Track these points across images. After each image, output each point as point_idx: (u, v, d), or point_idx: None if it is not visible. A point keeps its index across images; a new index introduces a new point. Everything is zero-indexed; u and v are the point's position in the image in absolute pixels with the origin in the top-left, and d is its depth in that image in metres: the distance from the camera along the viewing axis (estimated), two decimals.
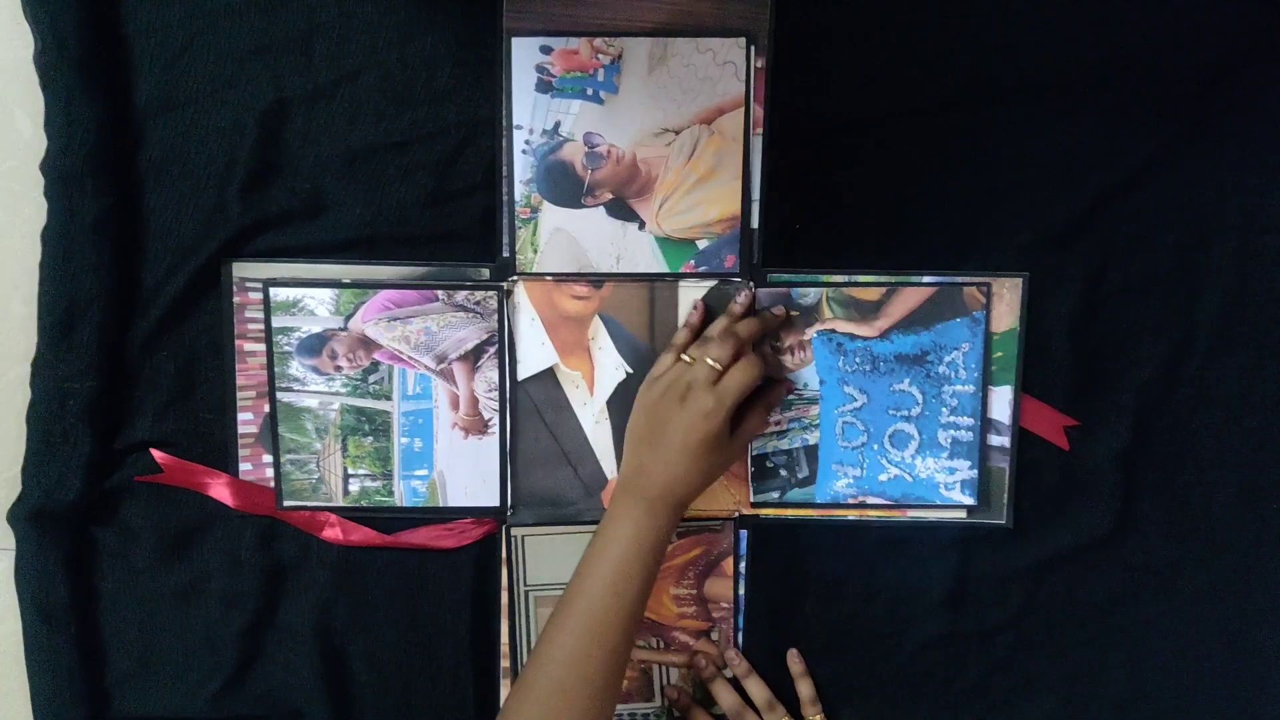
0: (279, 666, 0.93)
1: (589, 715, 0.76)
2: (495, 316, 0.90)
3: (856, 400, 0.92)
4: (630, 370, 0.91)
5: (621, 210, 0.89)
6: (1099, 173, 0.90)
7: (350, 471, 0.92)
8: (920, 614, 0.94)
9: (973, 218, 0.90)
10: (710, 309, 0.90)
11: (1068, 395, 0.92)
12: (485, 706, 0.93)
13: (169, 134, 0.87)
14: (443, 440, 0.91)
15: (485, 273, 0.90)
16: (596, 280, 0.90)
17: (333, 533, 0.91)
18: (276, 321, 0.90)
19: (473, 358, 0.90)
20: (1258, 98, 0.90)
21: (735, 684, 0.94)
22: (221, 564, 0.92)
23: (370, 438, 0.91)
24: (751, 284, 0.90)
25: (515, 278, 0.90)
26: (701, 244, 0.89)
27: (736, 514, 0.93)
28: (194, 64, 0.87)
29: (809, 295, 0.91)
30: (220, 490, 0.91)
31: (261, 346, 0.90)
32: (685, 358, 0.85)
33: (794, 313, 0.91)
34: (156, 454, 0.90)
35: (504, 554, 0.92)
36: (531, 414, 0.92)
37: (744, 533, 0.93)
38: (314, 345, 0.90)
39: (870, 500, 0.93)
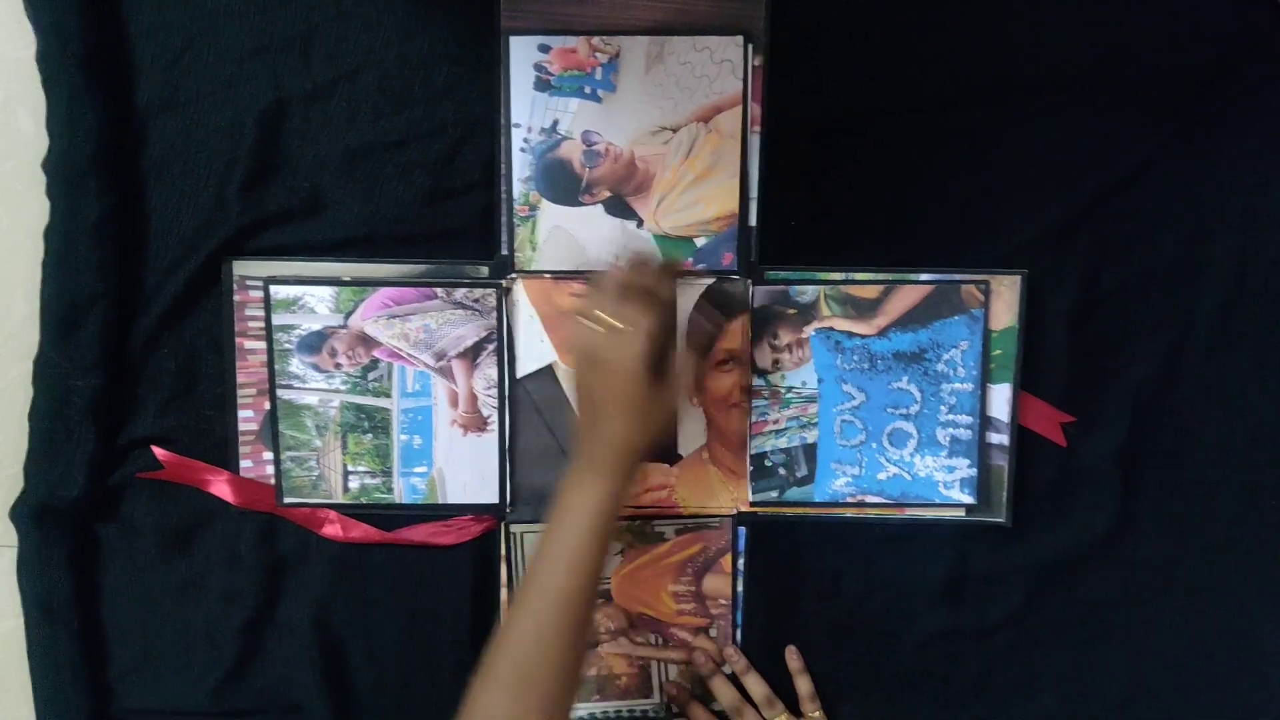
0: (279, 662, 0.93)
1: (553, 695, 0.75)
2: (494, 314, 0.90)
3: (855, 398, 0.92)
4: None
5: (620, 208, 0.89)
6: (1097, 171, 0.90)
7: (350, 468, 0.92)
8: (919, 611, 0.94)
9: (971, 215, 0.90)
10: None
11: (1066, 392, 0.92)
12: None
13: (170, 133, 0.88)
14: (442, 437, 0.92)
15: (484, 270, 0.90)
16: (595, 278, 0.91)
17: (332, 529, 0.92)
18: (277, 319, 0.90)
19: (471, 355, 0.91)
20: (1256, 96, 0.90)
21: (734, 680, 0.94)
22: (222, 560, 0.92)
23: (370, 435, 0.92)
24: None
25: (514, 275, 0.90)
26: (699, 241, 0.90)
27: (735, 511, 0.93)
28: (194, 64, 0.88)
29: (807, 293, 0.91)
30: (221, 487, 0.91)
31: (262, 344, 0.90)
32: (590, 322, 0.82)
33: (687, 262, 0.89)
34: (158, 451, 0.90)
35: (503, 550, 0.93)
36: (530, 411, 0.92)
37: (742, 530, 0.94)
38: (314, 343, 0.91)
39: (869, 499, 0.93)
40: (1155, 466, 0.93)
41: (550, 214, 0.89)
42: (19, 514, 0.89)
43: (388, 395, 0.91)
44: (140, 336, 0.90)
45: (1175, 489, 0.93)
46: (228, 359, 0.90)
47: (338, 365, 0.91)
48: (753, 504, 0.93)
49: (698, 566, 0.94)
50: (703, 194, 0.89)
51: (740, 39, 0.87)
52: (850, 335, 0.91)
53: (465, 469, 0.92)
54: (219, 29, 0.87)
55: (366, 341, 0.91)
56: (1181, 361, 0.92)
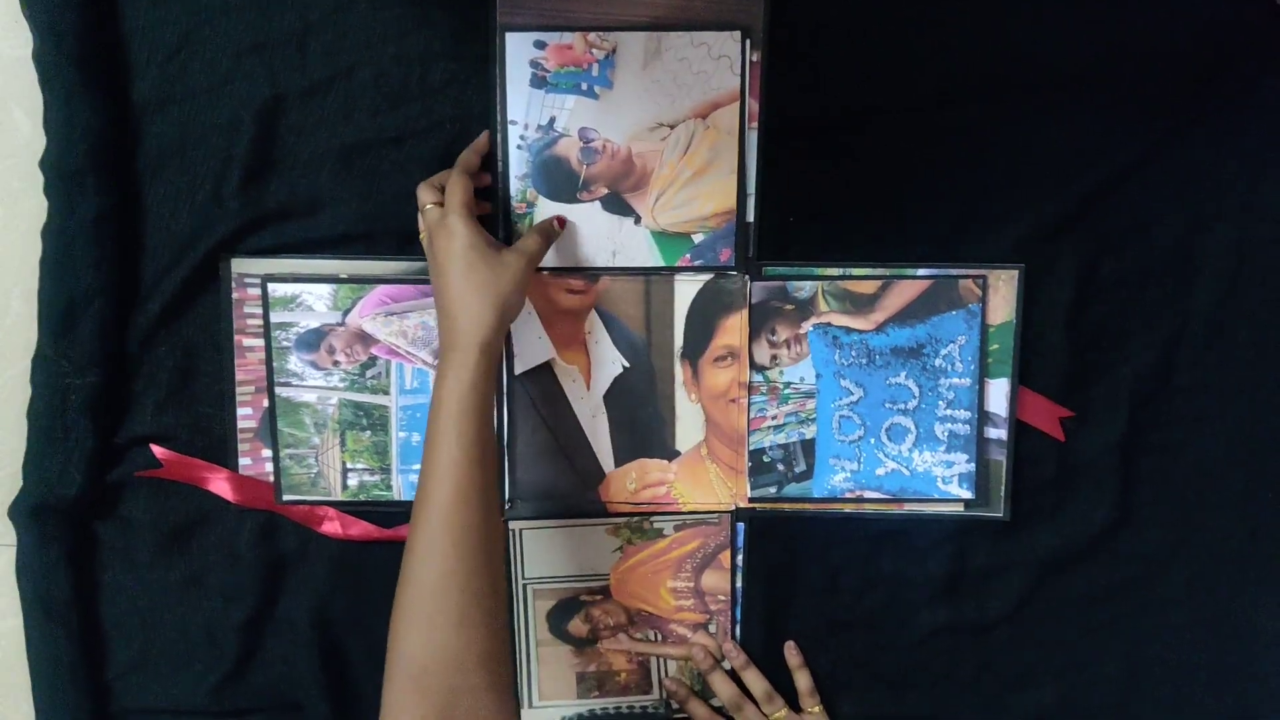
0: (278, 660, 0.93)
1: (468, 614, 0.72)
2: None
3: (853, 394, 0.92)
4: (627, 364, 0.92)
5: (617, 205, 0.89)
6: (1094, 166, 0.90)
7: (349, 466, 0.92)
8: (917, 606, 0.94)
9: (968, 211, 0.90)
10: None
11: (1063, 386, 0.92)
12: None
13: (166, 131, 0.88)
14: None
15: None
16: (593, 274, 0.91)
17: (331, 527, 0.92)
18: (275, 317, 0.90)
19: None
20: (1251, 91, 0.90)
21: (733, 676, 0.94)
22: (221, 558, 0.92)
23: (368, 432, 0.92)
24: (747, 277, 0.90)
25: None
26: (697, 238, 0.90)
27: (734, 507, 0.93)
28: (190, 61, 0.87)
29: (805, 289, 0.91)
30: (220, 485, 0.91)
31: (260, 342, 0.90)
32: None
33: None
34: (156, 449, 0.90)
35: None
36: (528, 408, 0.92)
37: (741, 526, 0.94)
38: (312, 340, 0.91)
39: (867, 494, 0.93)
40: (1152, 460, 0.93)
41: (547, 211, 0.89)
42: (17, 512, 0.89)
43: (386, 392, 0.91)
44: (138, 334, 0.89)
45: (1172, 482, 0.93)
46: (226, 357, 0.90)
47: (336, 363, 0.91)
48: (751, 500, 0.93)
49: (697, 562, 0.94)
50: (700, 190, 0.89)
51: (738, 34, 0.87)
52: (848, 330, 0.91)
53: None
54: (215, 25, 0.87)
55: (364, 339, 0.91)
56: (1178, 355, 0.92)
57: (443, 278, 0.80)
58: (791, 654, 0.94)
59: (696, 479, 0.93)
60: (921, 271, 0.91)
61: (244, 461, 0.92)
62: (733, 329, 0.91)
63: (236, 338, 0.90)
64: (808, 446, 0.93)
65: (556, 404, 0.92)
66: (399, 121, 0.88)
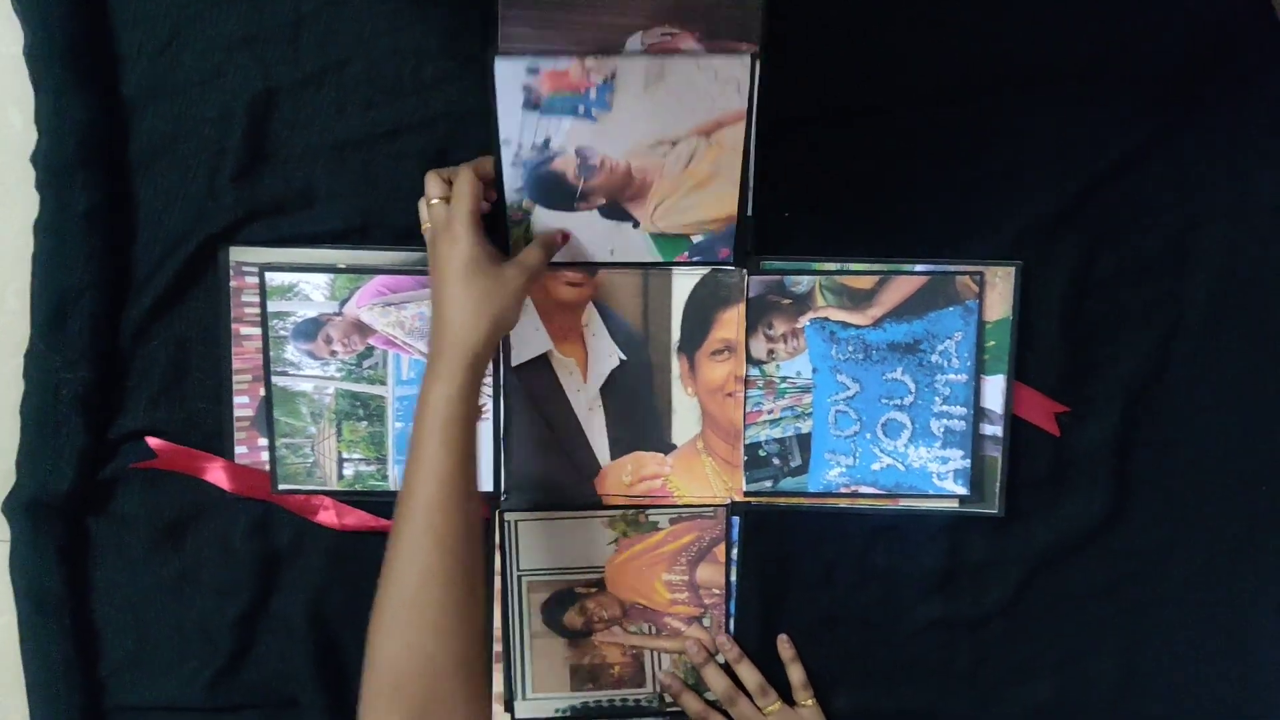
0: (273, 655, 0.93)
1: (449, 621, 0.72)
2: None
3: (849, 389, 0.92)
4: (624, 357, 0.92)
5: (615, 212, 0.89)
6: (1088, 161, 0.90)
7: (345, 456, 0.92)
8: (912, 600, 0.94)
9: (963, 205, 0.90)
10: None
11: (1058, 381, 0.92)
12: None
13: (158, 125, 0.87)
14: None
15: None
16: (590, 268, 0.91)
17: (327, 516, 0.92)
18: (272, 306, 0.90)
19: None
20: (1245, 84, 0.90)
21: (727, 669, 0.94)
22: (215, 553, 0.92)
23: (365, 422, 0.91)
24: (745, 271, 0.90)
25: None
26: (696, 239, 0.90)
27: (729, 501, 0.94)
28: (182, 54, 0.87)
29: (802, 283, 0.91)
30: (215, 474, 0.91)
31: (257, 330, 0.90)
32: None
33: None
34: (151, 440, 0.90)
35: (497, 539, 0.93)
36: (525, 400, 0.92)
37: (736, 519, 0.94)
38: (309, 330, 0.90)
39: (863, 489, 0.93)
40: (1147, 455, 0.93)
41: (544, 219, 0.89)
42: (10, 508, 0.88)
43: (383, 383, 0.91)
44: (131, 329, 0.89)
45: (1167, 477, 0.94)
46: (223, 346, 0.90)
47: (333, 352, 0.91)
48: (747, 494, 0.93)
49: (691, 556, 0.94)
50: (701, 200, 0.88)
51: (747, 59, 0.85)
52: (845, 326, 0.91)
53: None
54: (206, 18, 0.87)
55: (362, 329, 0.90)
56: (1173, 350, 0.92)
57: (441, 284, 0.79)
58: (785, 647, 0.94)
59: (692, 472, 0.93)
60: (919, 267, 0.91)
61: (240, 450, 0.92)
62: (730, 323, 0.91)
63: (233, 326, 0.90)
64: (803, 441, 0.93)
65: (553, 396, 0.92)
66: (392, 115, 0.88)
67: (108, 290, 0.88)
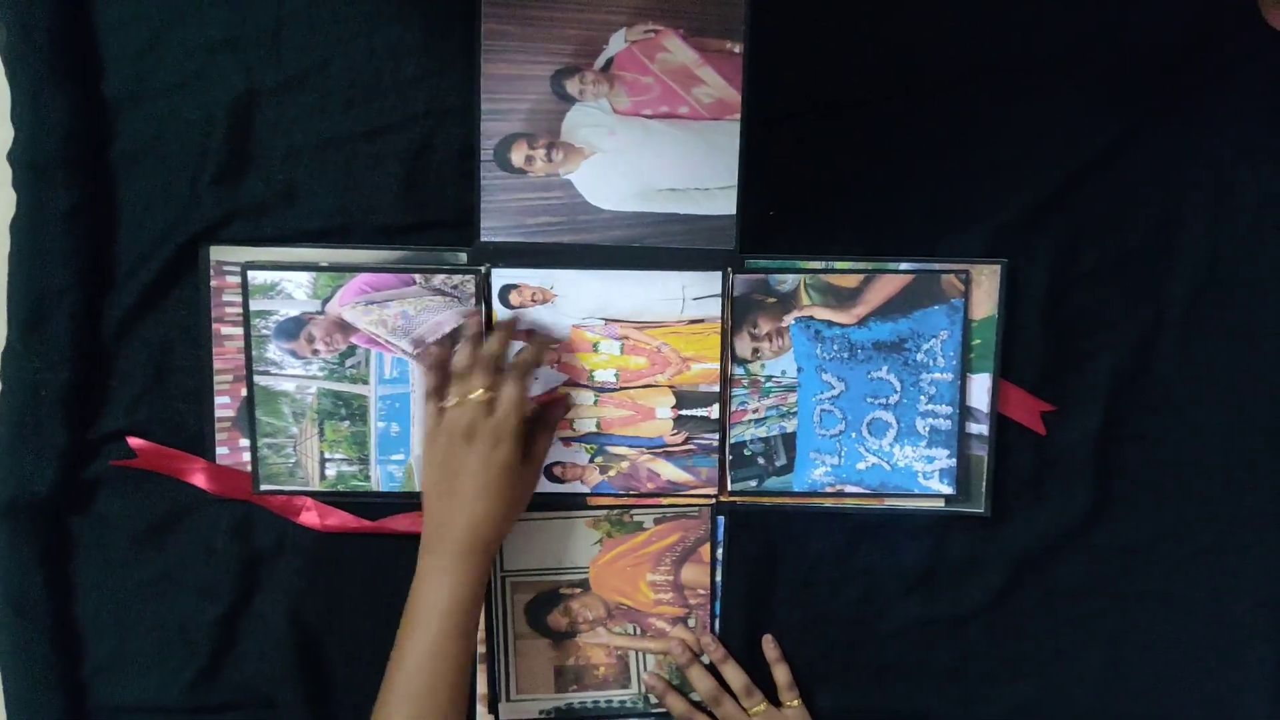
0: (254, 656, 0.93)
1: None
2: (472, 300, 0.90)
3: (834, 388, 0.92)
4: None
5: None
6: (1070, 155, 0.90)
7: (327, 456, 0.91)
8: (896, 599, 0.94)
9: (946, 201, 0.90)
10: (450, 345, 0.89)
11: (1041, 378, 0.92)
12: None
13: (140, 125, 0.87)
14: (419, 425, 0.91)
15: (462, 257, 0.90)
16: None
17: (309, 517, 0.91)
18: (254, 305, 0.89)
19: (449, 342, 0.90)
20: (1227, 78, 0.90)
21: (712, 670, 0.94)
22: (197, 554, 0.92)
23: (347, 422, 0.91)
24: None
25: (487, 267, 0.90)
26: None
27: (714, 500, 0.93)
28: (163, 55, 0.87)
29: (787, 282, 0.91)
30: (196, 475, 0.90)
31: (238, 330, 0.90)
32: (448, 402, 0.83)
33: (539, 335, 0.89)
34: (133, 440, 0.90)
35: None
36: None
37: (721, 519, 0.93)
38: (291, 329, 0.90)
39: (848, 489, 0.93)
40: (1130, 451, 0.93)
41: None
42: None
43: (365, 382, 0.91)
44: (111, 329, 0.89)
45: (1151, 473, 0.94)
46: (204, 346, 0.90)
47: (315, 351, 0.90)
48: (731, 493, 0.93)
49: (676, 556, 0.94)
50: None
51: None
52: (830, 324, 0.91)
53: None
54: (187, 20, 0.86)
55: (344, 328, 0.90)
56: (1156, 345, 0.92)
57: (470, 483, 0.81)
58: (769, 647, 0.94)
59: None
60: (904, 266, 0.90)
61: (221, 451, 0.91)
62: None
63: (215, 326, 0.89)
64: (788, 440, 0.92)
65: None
66: (373, 115, 0.88)
67: (88, 290, 0.87)
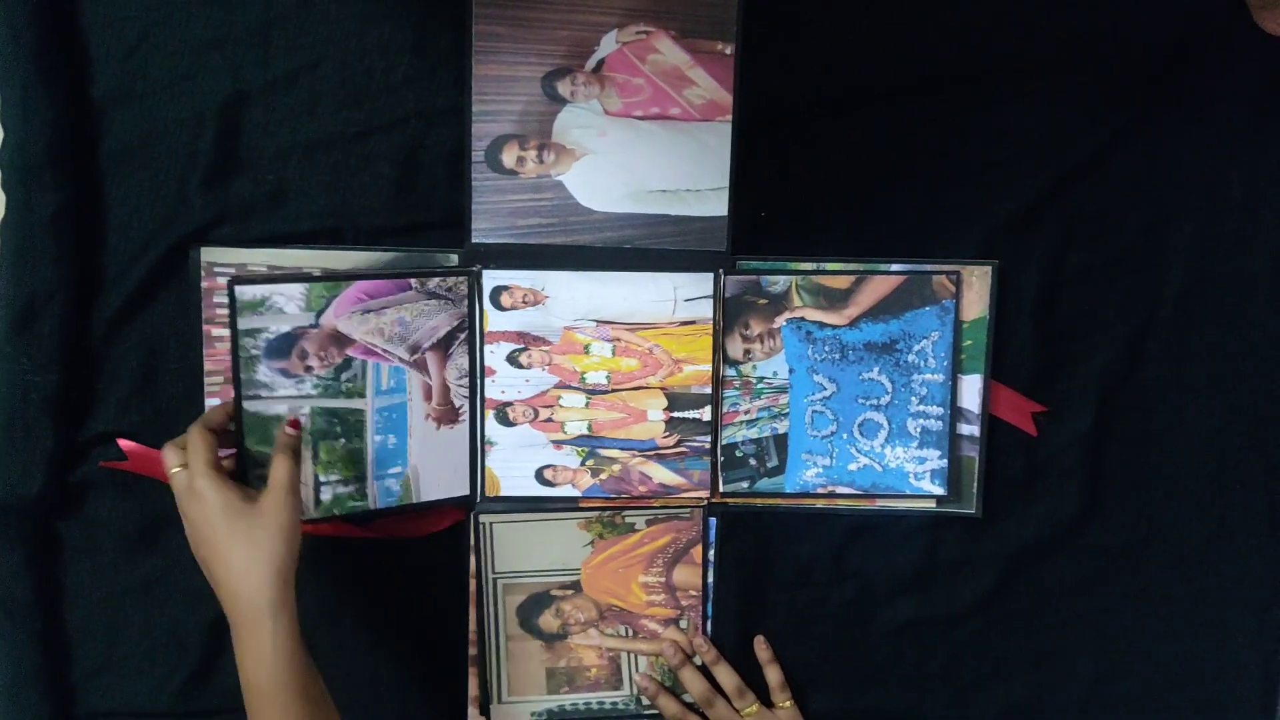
0: None
1: None
2: (465, 302, 0.90)
3: (826, 389, 0.92)
4: None
5: None
6: (1059, 157, 0.91)
7: (321, 479, 0.88)
8: (888, 600, 0.94)
9: (937, 202, 0.91)
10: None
11: (1032, 379, 0.92)
12: (453, 695, 0.93)
13: (129, 126, 0.86)
14: (416, 434, 0.90)
15: (454, 258, 0.89)
16: None
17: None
18: (243, 323, 0.85)
19: (444, 345, 0.90)
20: (1216, 80, 0.91)
21: (704, 671, 0.94)
22: (187, 557, 0.90)
23: (343, 440, 0.88)
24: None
25: (478, 268, 0.90)
26: None
27: (706, 502, 0.93)
28: (152, 56, 0.86)
29: (778, 283, 0.91)
30: None
31: (229, 331, 0.88)
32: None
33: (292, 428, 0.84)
34: (123, 443, 0.89)
35: (472, 541, 0.92)
36: None
37: (713, 520, 0.94)
38: (282, 346, 0.86)
39: (840, 490, 0.93)
40: (1121, 452, 0.94)
41: None
42: None
43: (362, 395, 0.88)
44: (100, 331, 0.88)
45: (1141, 474, 0.94)
46: (194, 347, 0.89)
47: (308, 368, 0.87)
48: (723, 494, 0.93)
49: (668, 557, 0.94)
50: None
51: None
52: (821, 326, 0.91)
53: (438, 464, 0.91)
54: (176, 20, 0.86)
55: (339, 340, 0.87)
56: (1145, 346, 0.93)
57: (205, 547, 0.76)
58: (761, 648, 0.94)
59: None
60: (895, 267, 0.90)
61: None
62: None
63: (206, 328, 0.88)
64: (780, 441, 0.92)
65: None
66: (363, 116, 0.87)
67: (77, 292, 0.87)
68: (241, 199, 0.88)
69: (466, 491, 0.92)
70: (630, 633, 0.95)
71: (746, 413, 0.92)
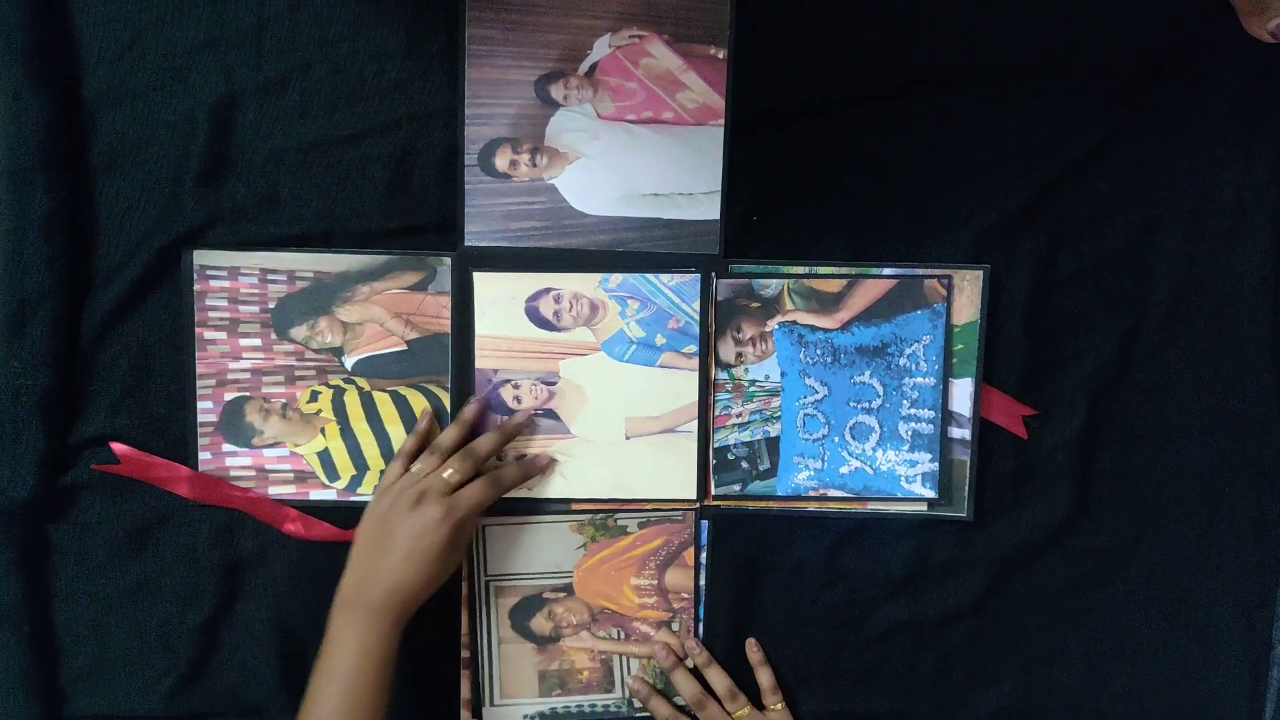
0: (236, 663, 0.92)
1: None
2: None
3: (818, 392, 0.92)
4: None
5: None
6: (1049, 160, 0.91)
7: None
8: (879, 602, 0.94)
9: (928, 206, 0.91)
10: (438, 417, 0.90)
11: (1023, 382, 0.92)
12: (445, 699, 0.93)
13: (120, 128, 0.86)
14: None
15: (446, 262, 0.89)
16: None
17: (294, 527, 0.91)
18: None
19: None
20: (1204, 82, 0.91)
21: (696, 674, 0.94)
22: (177, 560, 0.91)
23: None
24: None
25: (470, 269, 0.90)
26: None
27: (698, 505, 0.93)
28: (143, 57, 0.86)
29: (770, 286, 0.91)
30: (179, 484, 0.90)
31: (221, 334, 0.89)
32: (415, 467, 0.86)
33: (544, 462, 0.91)
34: (115, 445, 0.89)
35: None
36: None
37: (705, 523, 0.94)
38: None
39: (831, 493, 0.93)
40: (1111, 454, 0.94)
41: None
42: None
43: None
44: (91, 334, 0.88)
45: (1131, 476, 0.94)
46: (186, 350, 0.89)
47: None
48: (715, 497, 0.93)
49: (660, 560, 0.94)
50: None
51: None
52: (813, 329, 0.91)
53: None
54: (167, 22, 0.85)
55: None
56: (1136, 349, 0.93)
57: (403, 544, 0.81)
58: (753, 651, 0.94)
59: None
60: (887, 271, 0.91)
61: (204, 457, 0.90)
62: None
63: (198, 330, 0.89)
64: (772, 444, 0.93)
65: None
66: (356, 119, 0.87)
67: (68, 294, 0.86)
68: (233, 201, 0.88)
69: None
70: (622, 635, 0.95)
71: (738, 416, 0.92)
